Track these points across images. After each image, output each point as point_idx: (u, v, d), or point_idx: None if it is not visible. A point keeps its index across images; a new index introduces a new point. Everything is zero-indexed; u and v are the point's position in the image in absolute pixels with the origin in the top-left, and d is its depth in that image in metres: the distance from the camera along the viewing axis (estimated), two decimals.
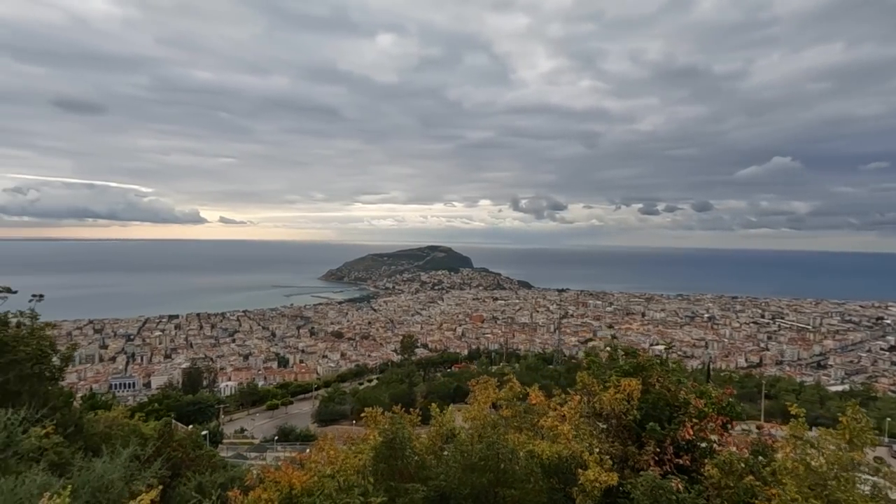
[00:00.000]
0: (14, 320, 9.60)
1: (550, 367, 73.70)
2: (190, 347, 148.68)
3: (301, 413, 60.43)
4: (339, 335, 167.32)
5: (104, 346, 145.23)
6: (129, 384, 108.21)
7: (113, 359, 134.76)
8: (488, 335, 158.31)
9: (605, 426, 9.72)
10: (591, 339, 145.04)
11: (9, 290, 10.15)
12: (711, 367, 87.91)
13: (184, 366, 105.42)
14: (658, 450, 8.89)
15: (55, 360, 9.70)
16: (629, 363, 10.32)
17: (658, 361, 10.39)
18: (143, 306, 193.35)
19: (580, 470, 8.09)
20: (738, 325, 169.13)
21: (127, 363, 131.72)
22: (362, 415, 10.68)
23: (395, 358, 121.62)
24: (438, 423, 11.03)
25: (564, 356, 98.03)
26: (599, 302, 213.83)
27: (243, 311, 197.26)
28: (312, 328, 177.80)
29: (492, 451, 8.21)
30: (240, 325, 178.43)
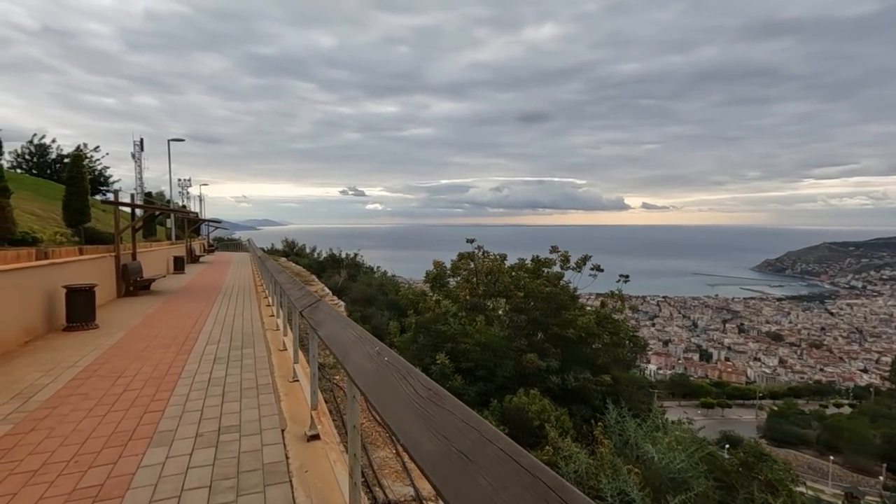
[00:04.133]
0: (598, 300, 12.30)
1: None
2: None
3: (740, 421, 54.68)
4: (776, 337, 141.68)
5: None
6: None
7: None
8: None
9: None
10: None
11: (598, 269, 13.03)
12: None
13: None
14: None
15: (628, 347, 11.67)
16: None
17: None
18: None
19: None
20: None
21: None
22: None
23: (867, 380, 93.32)
24: None
25: None
26: None
27: (663, 297, 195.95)
28: (742, 324, 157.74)
29: None
30: (659, 311, 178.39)
